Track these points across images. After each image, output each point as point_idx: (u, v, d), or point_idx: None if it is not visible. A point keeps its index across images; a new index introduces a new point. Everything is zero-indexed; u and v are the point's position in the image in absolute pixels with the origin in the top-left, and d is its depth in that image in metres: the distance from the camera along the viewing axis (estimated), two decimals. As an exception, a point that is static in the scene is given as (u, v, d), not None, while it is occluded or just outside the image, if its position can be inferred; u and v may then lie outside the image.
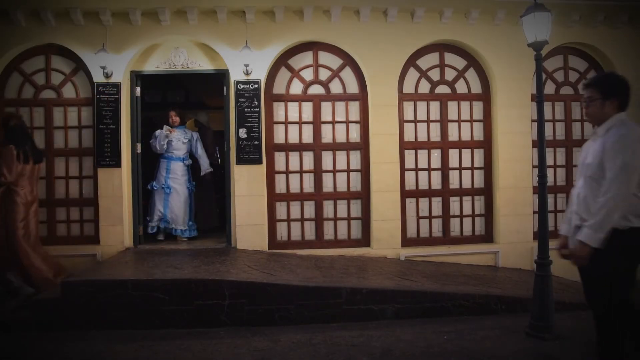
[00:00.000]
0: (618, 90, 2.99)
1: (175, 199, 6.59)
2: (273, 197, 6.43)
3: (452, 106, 6.63)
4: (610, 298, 2.87)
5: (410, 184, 6.58)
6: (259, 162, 6.24)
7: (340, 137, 6.53)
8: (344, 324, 4.59)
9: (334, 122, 6.52)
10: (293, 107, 6.51)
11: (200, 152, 6.92)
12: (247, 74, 6.18)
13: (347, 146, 6.53)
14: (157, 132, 6.66)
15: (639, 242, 2.81)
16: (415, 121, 6.60)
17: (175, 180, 6.64)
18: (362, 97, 6.51)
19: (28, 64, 6.32)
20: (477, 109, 6.69)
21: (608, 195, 2.75)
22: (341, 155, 6.53)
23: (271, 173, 6.42)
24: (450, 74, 6.68)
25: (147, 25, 6.11)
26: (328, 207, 6.51)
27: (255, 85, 6.21)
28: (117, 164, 6.14)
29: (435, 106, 6.62)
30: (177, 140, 6.70)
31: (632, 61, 6.68)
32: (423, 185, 6.62)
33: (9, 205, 5.27)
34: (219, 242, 6.45)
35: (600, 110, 2.98)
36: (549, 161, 6.48)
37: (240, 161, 6.22)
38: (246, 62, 6.10)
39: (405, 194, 6.51)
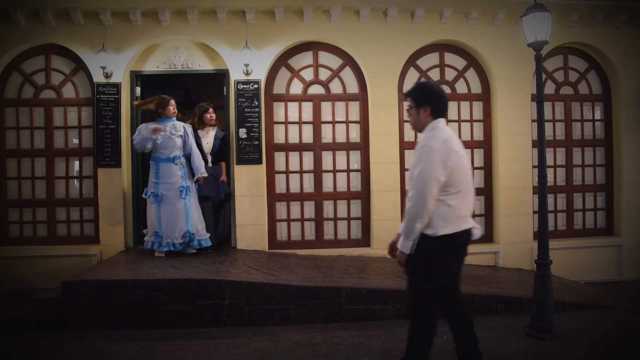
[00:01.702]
0: (428, 97, 3.00)
1: (166, 208, 5.50)
2: (273, 197, 6.43)
3: (452, 106, 6.60)
4: (418, 302, 2.95)
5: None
6: (259, 162, 6.24)
7: (340, 137, 6.53)
8: (344, 324, 4.59)
9: (334, 122, 6.52)
10: (293, 107, 6.51)
11: (194, 150, 5.70)
12: (247, 74, 6.18)
13: (347, 146, 6.53)
14: (142, 126, 5.64)
15: (442, 248, 2.86)
16: (415, 121, 6.59)
17: (165, 186, 5.52)
18: (362, 97, 6.51)
19: (28, 64, 6.33)
20: (477, 109, 6.69)
21: (409, 204, 2.84)
22: (341, 155, 6.53)
23: (271, 173, 6.42)
24: (450, 74, 6.68)
25: (147, 25, 6.11)
26: (328, 207, 6.51)
27: (255, 85, 6.21)
28: (117, 164, 6.14)
29: (435, 106, 6.61)
30: (163, 137, 5.55)
31: (632, 61, 6.69)
32: (423, 185, 6.61)
33: None
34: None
35: (417, 119, 3.03)
36: (549, 161, 6.48)
37: (240, 161, 6.22)
38: (246, 62, 6.11)
39: (405, 194, 6.47)
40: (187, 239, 5.56)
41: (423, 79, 2.89)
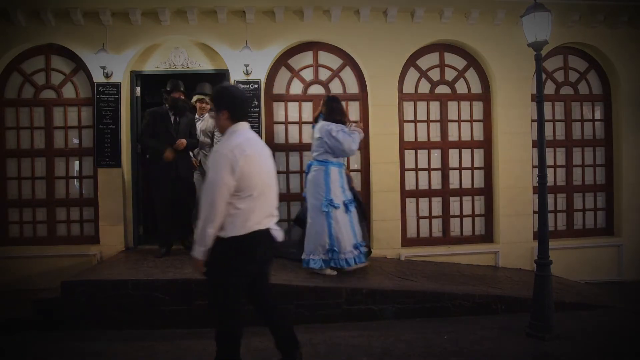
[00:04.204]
0: (226, 102, 3.01)
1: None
2: (273, 197, 6.41)
3: (452, 106, 6.63)
4: (217, 303, 3.01)
5: (410, 184, 6.58)
6: (259, 162, 6.22)
7: (340, 137, 6.52)
8: (344, 324, 4.59)
9: (334, 122, 6.51)
10: (293, 107, 6.51)
11: None
12: (247, 74, 6.18)
13: (347, 146, 6.52)
14: (335, 126, 5.06)
15: (234, 248, 2.92)
16: (415, 121, 6.60)
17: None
18: (362, 97, 6.51)
19: (28, 64, 6.32)
20: (477, 109, 6.69)
21: (201, 210, 2.88)
22: (341, 155, 6.52)
23: (271, 173, 6.41)
24: (450, 74, 6.68)
25: (147, 25, 6.11)
26: (328, 207, 6.49)
27: (255, 85, 6.21)
28: (117, 164, 6.14)
29: (435, 106, 6.62)
30: None
31: (632, 61, 6.70)
32: (423, 185, 6.61)
33: None
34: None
35: (219, 122, 3.07)
36: (549, 161, 6.48)
37: (240, 161, 6.20)
38: (246, 62, 6.10)
39: (405, 194, 6.51)
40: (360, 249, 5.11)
41: (227, 83, 2.94)
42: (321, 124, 5.16)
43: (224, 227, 2.89)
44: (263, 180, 2.99)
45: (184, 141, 5.52)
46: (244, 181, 2.87)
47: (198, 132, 6.09)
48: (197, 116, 6.28)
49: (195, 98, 6.34)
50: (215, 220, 2.84)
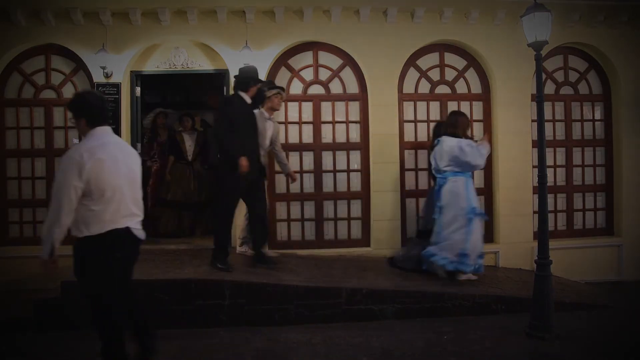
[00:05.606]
0: (82, 110, 3.13)
1: None
2: (273, 197, 6.43)
3: (452, 106, 6.61)
4: (96, 309, 3.16)
5: (410, 184, 6.57)
6: (259, 162, 6.23)
7: (340, 137, 6.53)
8: (344, 324, 4.59)
9: (334, 122, 6.52)
10: (293, 107, 6.50)
11: None
12: (248, 74, 6.17)
13: (347, 146, 6.53)
14: (467, 141, 5.31)
15: (93, 248, 3.05)
16: (415, 121, 6.60)
17: None
18: (362, 97, 6.51)
19: (28, 64, 6.32)
20: (477, 109, 6.69)
21: (49, 210, 2.98)
22: (341, 155, 6.53)
23: (271, 173, 6.41)
24: (450, 74, 6.68)
25: (147, 25, 6.11)
26: (328, 207, 6.50)
27: (256, 85, 6.20)
28: (117, 164, 6.13)
29: (435, 106, 6.62)
30: None
31: (632, 61, 6.69)
32: (423, 185, 6.60)
33: None
34: (219, 242, 6.42)
35: (79, 128, 3.19)
36: (549, 161, 6.46)
37: (240, 161, 6.21)
38: (246, 62, 6.09)
39: (405, 194, 6.51)
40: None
41: (85, 89, 3.10)
42: (449, 139, 5.33)
43: (78, 228, 3.01)
44: (117, 182, 3.06)
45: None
46: (94, 183, 2.95)
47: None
48: (267, 116, 5.52)
49: (272, 92, 5.52)
50: (61, 221, 2.91)
